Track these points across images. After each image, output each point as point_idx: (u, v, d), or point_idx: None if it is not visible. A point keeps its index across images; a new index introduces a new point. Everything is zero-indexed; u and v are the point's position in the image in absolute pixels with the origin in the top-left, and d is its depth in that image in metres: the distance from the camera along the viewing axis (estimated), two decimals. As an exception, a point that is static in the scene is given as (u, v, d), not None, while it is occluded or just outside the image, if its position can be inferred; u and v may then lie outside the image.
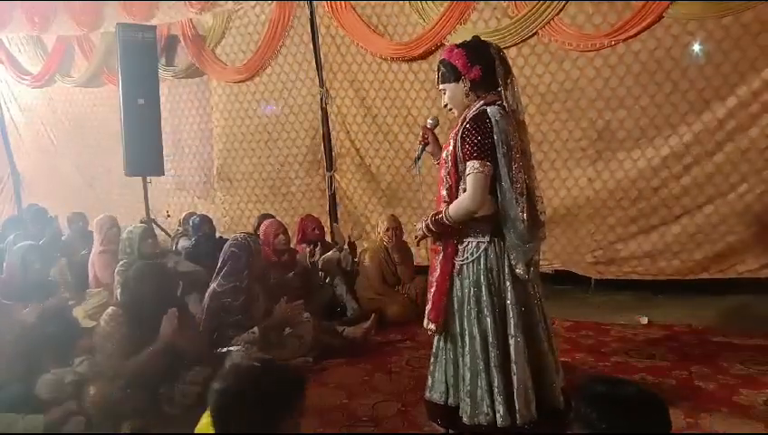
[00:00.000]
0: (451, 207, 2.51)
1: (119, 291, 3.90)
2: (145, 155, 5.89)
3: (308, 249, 4.58)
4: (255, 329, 3.42)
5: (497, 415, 2.48)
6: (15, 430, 2.70)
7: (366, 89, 5.69)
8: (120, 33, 5.79)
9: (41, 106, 7.83)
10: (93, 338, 3.08)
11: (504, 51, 2.64)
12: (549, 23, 4.68)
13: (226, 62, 6.38)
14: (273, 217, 5.02)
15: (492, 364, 2.50)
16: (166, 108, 6.83)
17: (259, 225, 4.69)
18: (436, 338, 2.72)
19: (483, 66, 2.46)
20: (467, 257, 2.55)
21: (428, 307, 2.68)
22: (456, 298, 2.60)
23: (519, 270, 2.49)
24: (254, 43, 6.17)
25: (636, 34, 4.43)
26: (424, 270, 4.92)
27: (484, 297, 2.51)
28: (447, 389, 2.69)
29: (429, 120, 2.83)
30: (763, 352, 3.61)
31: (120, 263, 4.03)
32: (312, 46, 5.86)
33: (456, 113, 2.60)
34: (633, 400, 1.43)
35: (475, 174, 2.41)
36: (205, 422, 1.78)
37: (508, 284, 2.51)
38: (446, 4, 5.08)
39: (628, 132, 4.70)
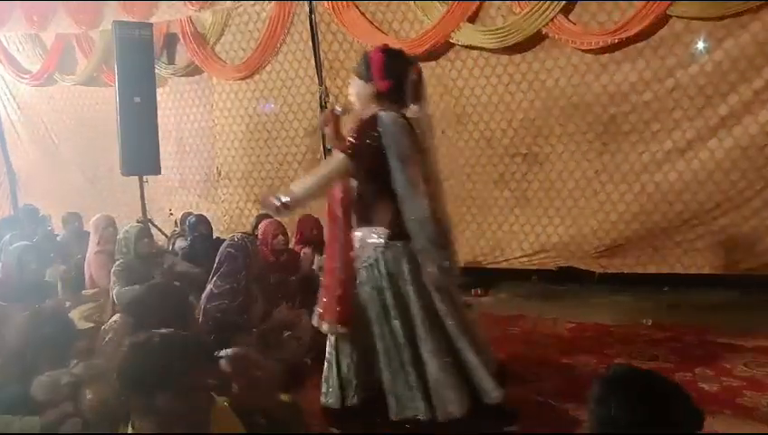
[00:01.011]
0: (296, 191, 2.51)
1: (116, 290, 3.89)
2: (141, 154, 5.84)
3: (308, 253, 4.52)
4: (254, 330, 3.40)
5: (418, 411, 2.52)
6: (11, 431, 2.68)
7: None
8: (116, 31, 5.75)
9: (41, 104, 7.79)
10: (98, 344, 3.04)
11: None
12: (552, 20, 4.67)
13: (226, 60, 6.36)
14: (271, 217, 4.98)
15: (406, 363, 2.53)
16: (167, 105, 6.82)
17: (257, 225, 4.65)
18: (331, 343, 2.71)
19: (394, 83, 2.48)
20: (365, 261, 2.56)
21: (338, 309, 2.61)
22: (357, 302, 2.60)
23: (431, 275, 2.48)
24: (254, 41, 6.15)
25: (639, 33, 4.44)
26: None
27: (389, 300, 2.52)
28: (343, 390, 2.69)
29: (338, 107, 2.85)
30: (766, 354, 3.59)
31: (117, 263, 4.01)
32: (311, 44, 5.83)
33: (357, 107, 2.62)
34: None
35: (332, 162, 2.51)
36: None
37: (410, 287, 2.52)
38: (448, 1, 5.06)
39: (632, 126, 4.73)
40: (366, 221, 2.57)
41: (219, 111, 6.55)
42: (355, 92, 2.58)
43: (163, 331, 1.67)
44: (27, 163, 8.16)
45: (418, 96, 2.53)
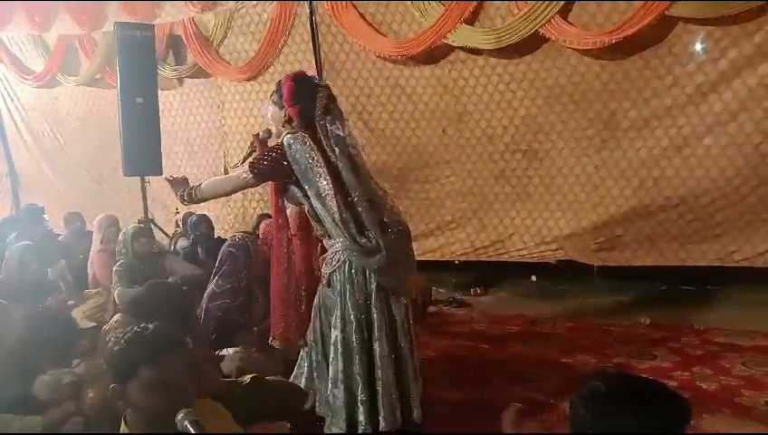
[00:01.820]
0: (205, 184, 2.78)
1: (118, 290, 3.90)
2: (143, 155, 5.84)
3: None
4: (255, 329, 3.42)
5: (359, 424, 2.53)
6: (13, 431, 2.69)
7: (371, 86, 5.69)
8: (117, 32, 5.75)
9: (46, 105, 7.81)
10: (99, 344, 3.05)
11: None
12: (551, 21, 4.68)
13: (230, 61, 6.37)
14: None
15: (354, 371, 2.56)
16: (173, 106, 6.85)
17: (258, 224, 4.65)
18: (313, 353, 2.74)
19: (302, 107, 2.62)
20: (335, 265, 2.62)
21: (285, 325, 2.77)
22: (324, 308, 2.68)
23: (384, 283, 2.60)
24: (257, 42, 6.16)
25: (637, 33, 4.44)
26: (422, 264, 4.97)
27: (349, 304, 2.58)
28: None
29: (262, 132, 2.97)
30: (764, 353, 3.61)
31: (118, 263, 4.03)
32: (312, 45, 5.85)
33: (273, 131, 2.82)
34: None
35: (239, 174, 2.68)
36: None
37: (373, 286, 2.59)
38: (446, 3, 5.07)
39: (631, 122, 4.76)
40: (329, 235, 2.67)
41: (226, 111, 6.58)
42: (271, 115, 2.76)
43: (144, 325, 1.70)
44: (33, 164, 8.17)
45: (331, 115, 2.65)
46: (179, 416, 1.56)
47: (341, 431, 2.55)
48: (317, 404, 2.71)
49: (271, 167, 2.60)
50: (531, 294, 5.22)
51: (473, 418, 3.06)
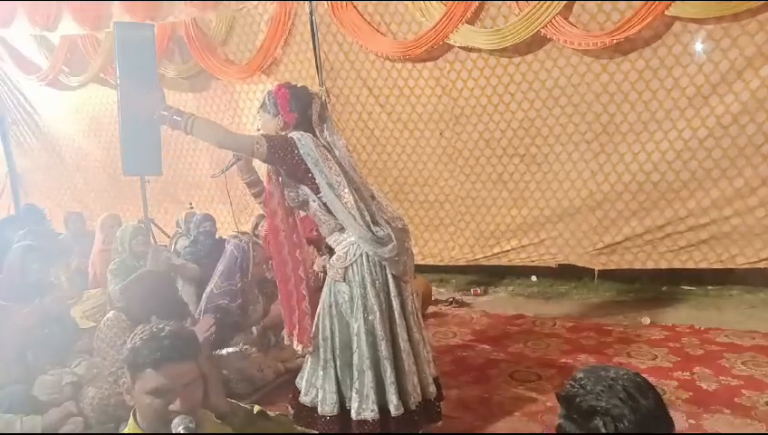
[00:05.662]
0: (204, 121, 2.68)
1: (111, 288, 3.90)
2: (143, 154, 5.83)
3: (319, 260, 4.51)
4: (254, 330, 3.42)
5: (391, 405, 2.62)
6: (14, 431, 2.70)
7: (371, 86, 5.68)
8: (117, 32, 5.76)
9: (53, 103, 7.77)
10: (94, 342, 3.06)
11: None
12: (551, 21, 4.67)
13: (234, 61, 6.37)
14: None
15: (381, 357, 2.63)
16: (183, 105, 6.85)
17: (257, 224, 4.65)
18: (321, 352, 2.73)
19: (299, 115, 2.67)
20: (351, 259, 2.66)
21: (299, 329, 2.75)
22: (336, 305, 2.69)
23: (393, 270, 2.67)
24: (259, 42, 6.16)
25: (637, 34, 4.43)
26: (422, 268, 4.97)
27: (371, 295, 2.63)
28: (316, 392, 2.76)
29: None
30: (765, 353, 3.62)
31: (113, 261, 4.02)
32: (312, 45, 5.85)
33: None
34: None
35: (250, 136, 2.61)
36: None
37: (390, 276, 2.67)
38: (447, 3, 5.07)
39: (631, 126, 4.75)
40: (339, 230, 2.69)
41: (232, 110, 6.60)
42: (263, 125, 2.77)
43: (161, 326, 1.70)
44: (35, 162, 8.13)
45: (326, 121, 2.72)
46: (175, 420, 1.57)
47: (374, 413, 2.60)
48: (320, 404, 2.71)
49: (284, 149, 2.56)
50: (531, 294, 5.22)
51: (473, 418, 3.07)
